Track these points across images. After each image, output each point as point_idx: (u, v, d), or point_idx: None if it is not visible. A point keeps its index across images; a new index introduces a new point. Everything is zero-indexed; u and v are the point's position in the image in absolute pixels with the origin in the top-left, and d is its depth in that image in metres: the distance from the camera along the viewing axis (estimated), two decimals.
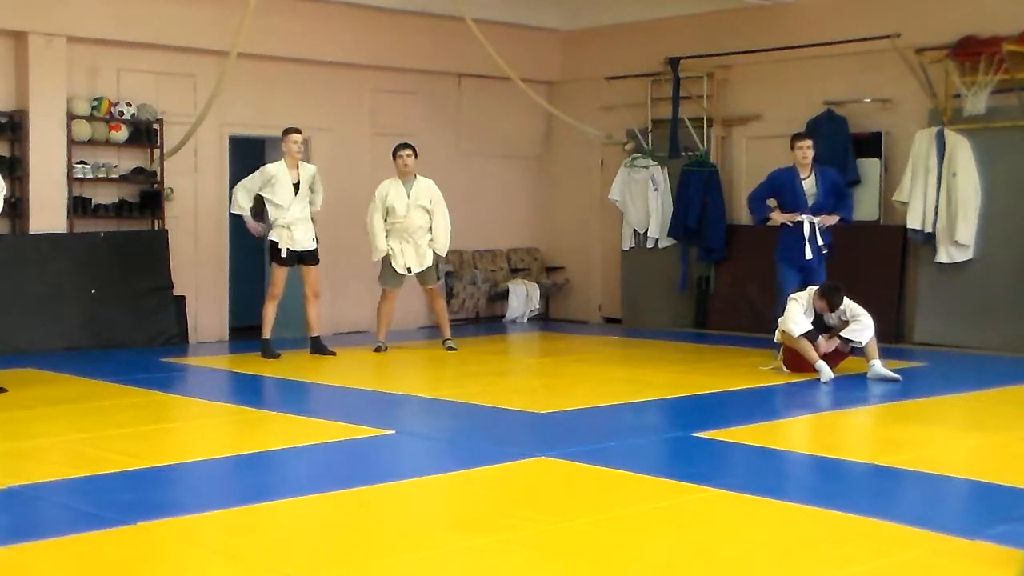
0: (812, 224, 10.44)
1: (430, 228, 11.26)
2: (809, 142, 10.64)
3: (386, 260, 11.25)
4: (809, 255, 10.40)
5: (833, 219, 10.56)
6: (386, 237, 11.17)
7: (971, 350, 11.52)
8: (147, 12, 11.67)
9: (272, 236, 10.79)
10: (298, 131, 10.87)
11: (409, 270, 11.24)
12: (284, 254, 10.74)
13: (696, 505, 5.54)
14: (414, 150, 11.28)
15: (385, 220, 11.18)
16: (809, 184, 10.56)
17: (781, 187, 10.67)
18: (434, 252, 11.33)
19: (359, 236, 11.83)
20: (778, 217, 10.62)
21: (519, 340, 13.29)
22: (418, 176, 11.31)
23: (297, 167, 10.84)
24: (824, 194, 10.55)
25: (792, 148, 10.64)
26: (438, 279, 11.64)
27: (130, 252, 11.65)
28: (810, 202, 10.52)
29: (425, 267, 11.30)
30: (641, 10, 13.81)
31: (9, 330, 10.84)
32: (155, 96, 11.92)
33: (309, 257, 10.93)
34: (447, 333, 11.61)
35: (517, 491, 5.89)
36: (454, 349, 11.47)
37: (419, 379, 10.11)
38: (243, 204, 10.74)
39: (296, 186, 10.76)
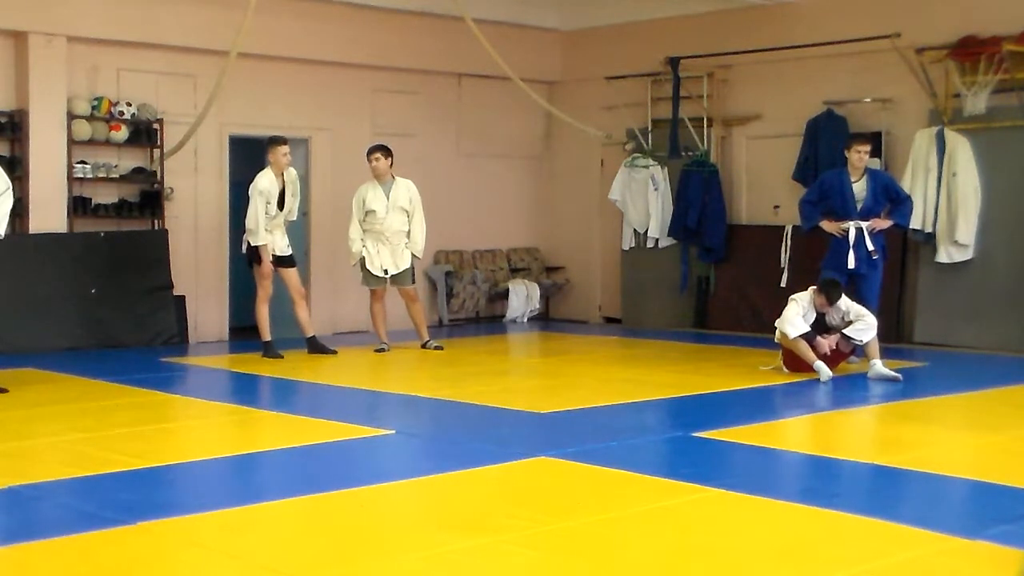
0: (859, 230, 10.27)
1: (408, 232, 11.26)
2: (867, 146, 10.42)
3: (363, 262, 11.24)
4: (852, 264, 10.23)
5: (884, 224, 10.37)
6: (363, 239, 11.16)
7: (971, 350, 11.52)
8: (147, 12, 11.67)
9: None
10: (285, 141, 10.87)
11: (386, 272, 11.23)
12: (270, 259, 10.76)
13: (696, 505, 5.53)
14: (384, 152, 11.23)
15: (363, 221, 11.18)
16: (859, 188, 10.36)
17: (830, 190, 10.47)
18: (412, 254, 11.33)
19: None
20: (827, 227, 10.43)
21: (519, 340, 13.29)
22: (396, 177, 11.29)
23: (282, 174, 10.85)
24: (873, 198, 10.36)
25: (847, 150, 10.46)
26: (413, 281, 11.61)
27: (130, 252, 11.65)
28: (859, 206, 10.34)
29: (402, 269, 11.29)
30: (641, 10, 13.82)
31: (9, 330, 10.85)
32: (155, 96, 11.92)
33: (288, 261, 10.94)
34: (425, 335, 11.57)
35: (517, 491, 5.89)
36: (440, 348, 11.47)
37: (419, 379, 10.10)
38: (266, 235, 10.72)
39: (282, 193, 10.80)
